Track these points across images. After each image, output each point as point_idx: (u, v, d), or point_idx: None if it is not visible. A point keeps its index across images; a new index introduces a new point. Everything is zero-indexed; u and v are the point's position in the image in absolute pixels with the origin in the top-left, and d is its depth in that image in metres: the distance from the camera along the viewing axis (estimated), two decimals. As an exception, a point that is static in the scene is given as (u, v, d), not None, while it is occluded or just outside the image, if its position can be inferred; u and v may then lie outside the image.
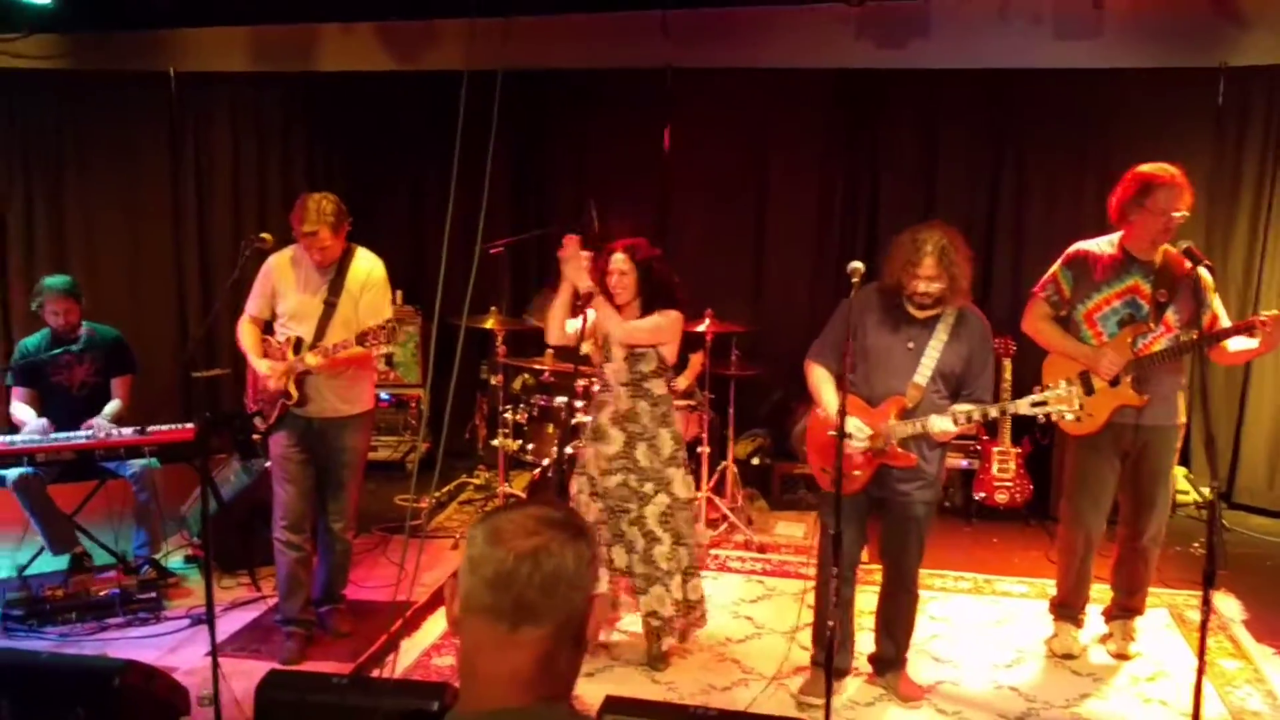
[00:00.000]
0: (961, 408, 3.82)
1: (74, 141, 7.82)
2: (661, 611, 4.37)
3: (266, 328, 4.58)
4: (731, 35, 7.13)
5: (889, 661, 4.24)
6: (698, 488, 6.04)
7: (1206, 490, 6.62)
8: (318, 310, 4.41)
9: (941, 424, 3.79)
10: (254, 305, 4.56)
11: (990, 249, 7.07)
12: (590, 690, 4.09)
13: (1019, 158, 6.99)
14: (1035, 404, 3.81)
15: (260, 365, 4.40)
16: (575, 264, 4.25)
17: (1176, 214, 4.11)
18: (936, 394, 3.90)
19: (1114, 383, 4.18)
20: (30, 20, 7.10)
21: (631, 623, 4.64)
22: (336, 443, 4.51)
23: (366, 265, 4.50)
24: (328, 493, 4.60)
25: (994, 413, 3.83)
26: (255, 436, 4.51)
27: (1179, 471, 6.55)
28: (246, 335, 4.53)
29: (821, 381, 4.03)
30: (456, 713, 1.50)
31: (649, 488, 4.34)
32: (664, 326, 4.32)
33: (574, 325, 4.32)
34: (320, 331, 4.39)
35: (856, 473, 3.93)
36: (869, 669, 4.32)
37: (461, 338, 3.49)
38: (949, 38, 6.89)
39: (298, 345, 4.36)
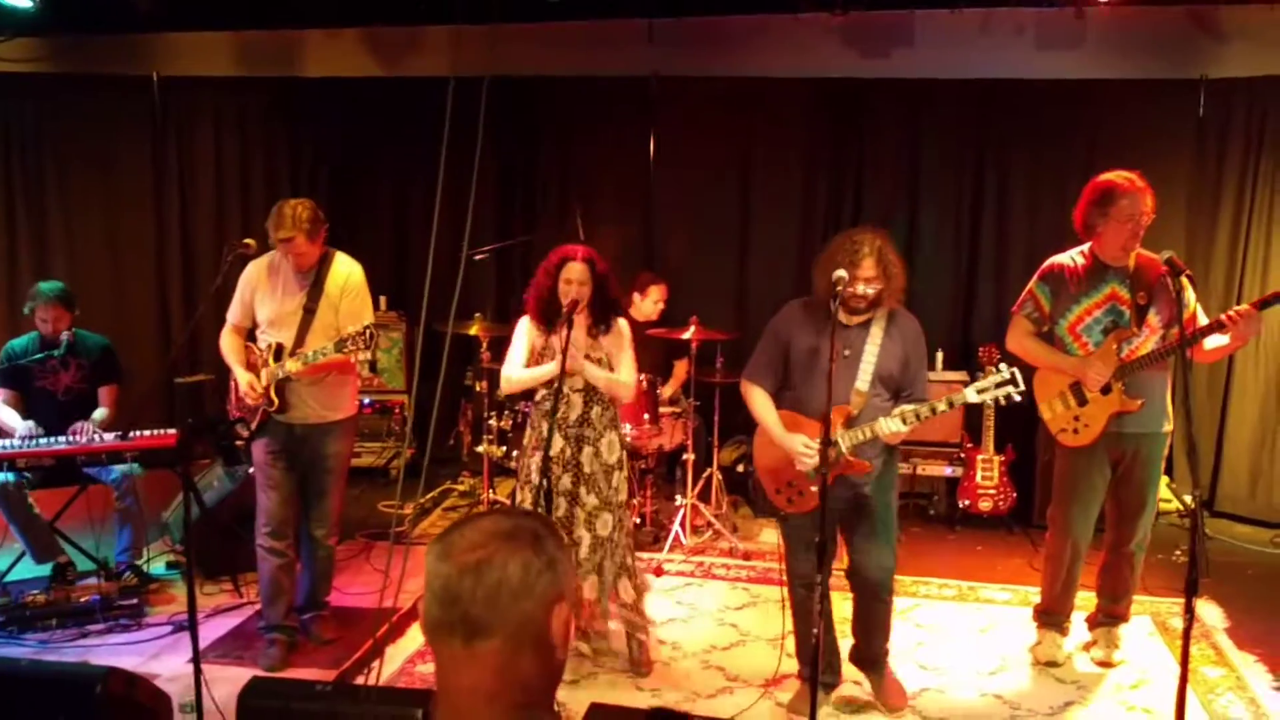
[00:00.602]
0: (908, 407, 3.81)
1: (55, 145, 7.78)
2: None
3: (250, 335, 4.56)
4: (716, 43, 7.16)
5: (870, 660, 4.25)
6: (684, 495, 6.06)
7: (1189, 498, 6.66)
8: (297, 316, 4.39)
9: (891, 425, 3.78)
10: (234, 313, 4.55)
11: (974, 259, 7.12)
12: (575, 698, 4.09)
13: (1002, 167, 7.03)
14: (980, 390, 3.80)
15: (242, 379, 4.40)
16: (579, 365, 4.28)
17: (1142, 218, 4.13)
18: (878, 398, 3.90)
19: (1105, 390, 4.21)
20: (11, 23, 7.05)
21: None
22: (319, 449, 4.50)
23: (345, 270, 4.49)
24: (310, 499, 4.59)
25: (941, 406, 3.80)
26: (239, 442, 4.49)
27: (1161, 480, 6.59)
28: (229, 345, 4.53)
29: (764, 406, 4.02)
30: None
31: (582, 490, 4.36)
32: (629, 346, 4.43)
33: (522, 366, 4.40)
34: (300, 338, 4.38)
35: (814, 489, 3.88)
36: (853, 671, 4.33)
37: (448, 344, 3.48)
38: (933, 47, 6.94)
39: (278, 352, 4.35)
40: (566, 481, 4.35)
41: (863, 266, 3.76)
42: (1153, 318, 4.20)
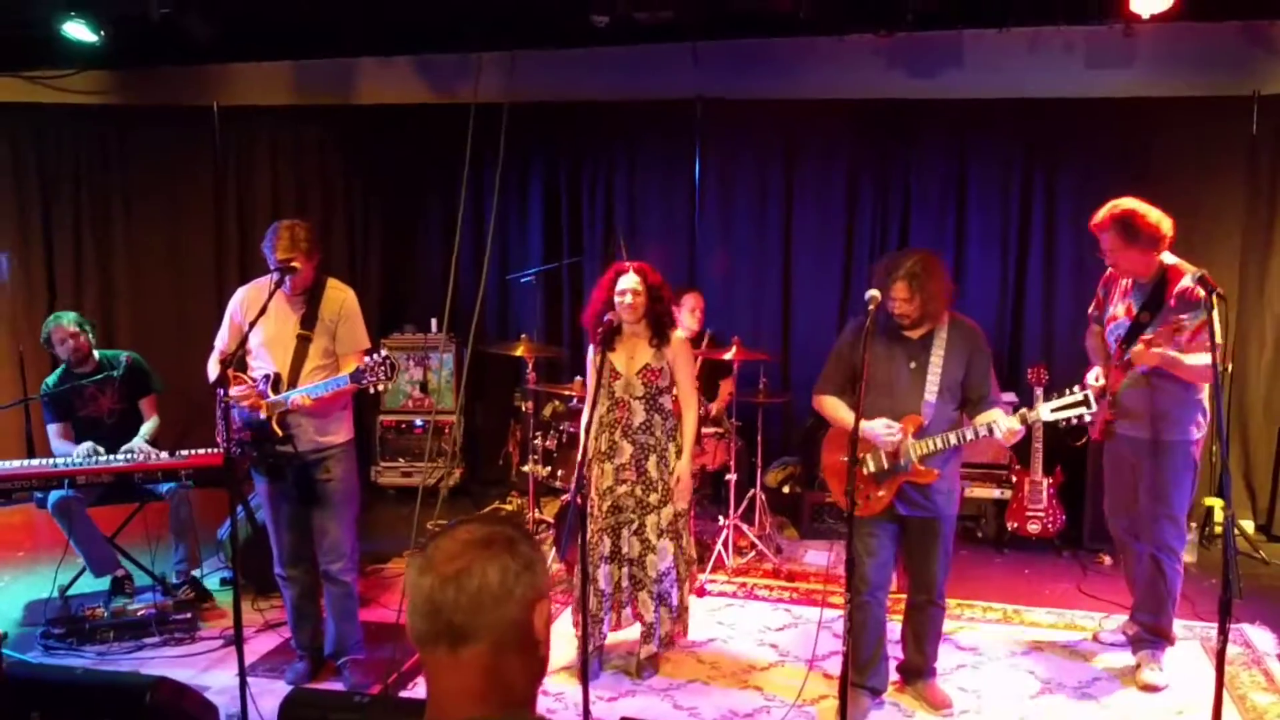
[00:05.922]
0: (1001, 414, 3.95)
1: (121, 174, 8.02)
2: (646, 616, 4.54)
3: (240, 364, 4.36)
4: (761, 65, 7.19)
5: (917, 671, 4.32)
6: (727, 516, 6.08)
7: (1246, 524, 6.55)
8: (291, 344, 4.30)
9: (1008, 423, 3.90)
10: (223, 341, 4.44)
11: (1023, 279, 7.05)
12: (612, 712, 4.12)
13: (1051, 187, 6.97)
14: (1055, 409, 3.96)
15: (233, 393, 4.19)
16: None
17: (1108, 254, 4.36)
18: (947, 407, 4.01)
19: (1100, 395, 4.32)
20: (81, 57, 7.32)
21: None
22: (320, 476, 4.38)
23: (340, 295, 4.40)
24: (318, 531, 4.44)
25: (1032, 417, 3.97)
26: (282, 448, 4.37)
27: (1216, 503, 6.46)
28: (218, 372, 4.17)
29: (835, 404, 4.16)
30: None
31: (655, 498, 4.49)
32: (690, 362, 4.61)
33: None
34: (297, 366, 4.28)
35: (881, 494, 3.97)
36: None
37: (467, 362, 3.56)
38: (980, 68, 6.90)
39: (276, 382, 4.25)
40: (639, 491, 4.48)
41: (894, 289, 3.90)
42: (1147, 334, 4.27)
